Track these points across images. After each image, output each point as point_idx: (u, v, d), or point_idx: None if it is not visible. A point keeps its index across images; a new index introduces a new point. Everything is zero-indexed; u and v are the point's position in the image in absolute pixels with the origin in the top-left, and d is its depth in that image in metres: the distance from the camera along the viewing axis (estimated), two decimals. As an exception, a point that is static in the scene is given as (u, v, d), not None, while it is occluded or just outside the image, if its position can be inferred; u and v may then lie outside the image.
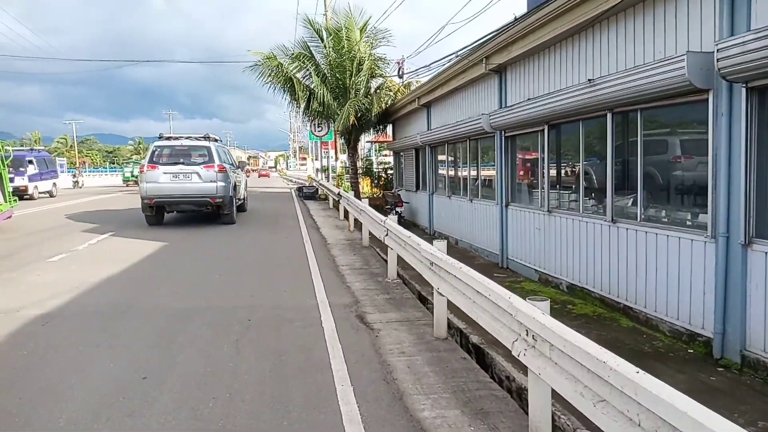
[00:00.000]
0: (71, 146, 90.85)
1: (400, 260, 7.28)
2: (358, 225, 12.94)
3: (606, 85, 6.31)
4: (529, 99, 8.36)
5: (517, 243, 9.39)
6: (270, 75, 18.95)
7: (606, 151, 6.80)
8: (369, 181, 26.38)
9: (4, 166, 13.90)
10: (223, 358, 4.63)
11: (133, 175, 41.00)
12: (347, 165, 29.33)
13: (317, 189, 25.34)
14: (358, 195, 19.17)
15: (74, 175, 41.28)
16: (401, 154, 18.92)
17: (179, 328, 5.46)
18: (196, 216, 15.39)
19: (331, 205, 19.77)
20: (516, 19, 8.66)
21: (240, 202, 16.58)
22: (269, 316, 5.89)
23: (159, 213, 14.23)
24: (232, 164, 15.62)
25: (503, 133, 9.74)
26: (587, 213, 7.35)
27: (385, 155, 38.60)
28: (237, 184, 15.60)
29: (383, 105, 18.59)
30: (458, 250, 11.89)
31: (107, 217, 16.34)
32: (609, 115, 6.68)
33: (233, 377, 4.22)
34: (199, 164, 13.75)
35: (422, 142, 14.64)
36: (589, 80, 6.67)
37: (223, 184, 13.76)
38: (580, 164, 7.49)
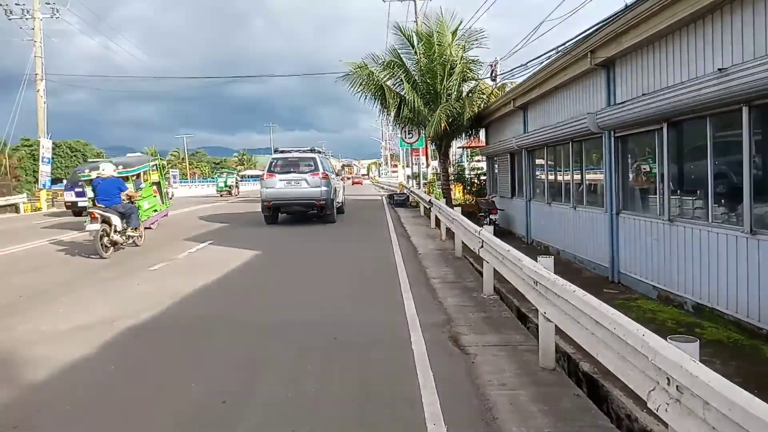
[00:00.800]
0: (183, 158, 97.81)
1: (496, 272, 6.68)
2: (450, 234, 12.41)
3: (741, 75, 5.37)
4: (644, 94, 7.44)
5: (631, 255, 8.42)
6: (361, 84, 18.94)
7: (741, 150, 5.81)
8: (461, 187, 25.68)
9: (162, 175, 17.71)
10: (307, 383, 4.30)
11: (226, 185, 41.15)
12: (438, 171, 28.82)
13: (408, 196, 25.04)
14: (449, 202, 18.62)
15: None
16: (495, 159, 18.12)
17: (264, 346, 5.24)
18: (289, 227, 15.87)
19: (421, 213, 19.35)
20: (627, 6, 7.78)
21: (339, 205, 18.81)
22: (356, 334, 5.53)
23: (275, 213, 16.83)
24: (332, 172, 18.06)
25: (612, 133, 8.82)
26: (717, 222, 6.34)
27: (478, 161, 37.57)
28: (336, 189, 18.06)
29: (475, 109, 17.91)
30: (560, 262, 10.98)
31: (205, 226, 16.98)
32: (745, 109, 5.69)
33: (315, 407, 3.87)
34: (307, 172, 16.23)
35: (518, 146, 13.84)
36: (719, 70, 5.73)
37: (326, 188, 16.22)
38: (708, 166, 6.49)
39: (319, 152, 18.26)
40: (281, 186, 16.11)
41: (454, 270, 8.94)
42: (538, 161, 13.58)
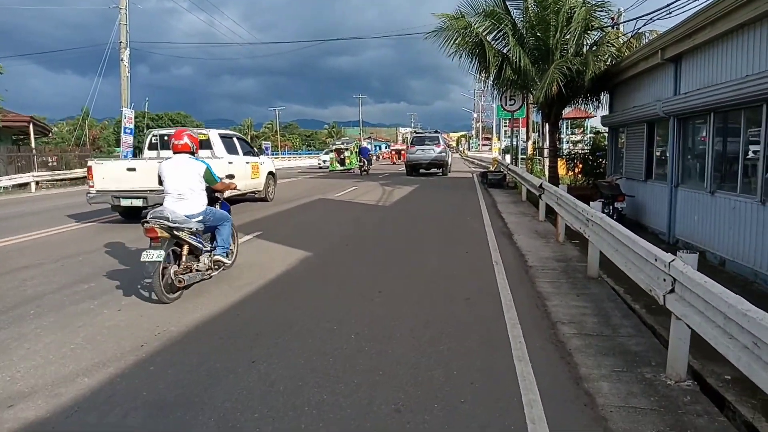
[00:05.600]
0: (276, 131, 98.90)
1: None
2: (572, 234, 9.25)
3: None
4: None
5: None
6: (456, 40, 15.76)
7: None
8: (563, 164, 21.82)
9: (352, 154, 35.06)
10: None
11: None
12: (540, 145, 25.10)
13: (505, 175, 21.59)
14: (556, 183, 15.19)
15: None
16: (620, 130, 14.41)
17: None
18: (360, 220, 13.85)
19: (523, 198, 15.96)
20: None
21: (449, 166, 30.71)
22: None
23: (412, 170, 28.55)
24: (447, 144, 30.91)
25: None
26: None
27: (578, 134, 33.17)
28: (449, 154, 31.85)
29: (601, 65, 14.12)
30: (727, 276, 7.69)
31: (275, 205, 14.80)
32: None
33: None
34: (432, 144, 27.89)
35: (665, 113, 10.24)
36: None
37: (444, 154, 28.14)
38: None
39: (439, 132, 31.03)
40: (418, 153, 27.78)
41: (593, 304, 5.64)
42: (694, 134, 9.96)
